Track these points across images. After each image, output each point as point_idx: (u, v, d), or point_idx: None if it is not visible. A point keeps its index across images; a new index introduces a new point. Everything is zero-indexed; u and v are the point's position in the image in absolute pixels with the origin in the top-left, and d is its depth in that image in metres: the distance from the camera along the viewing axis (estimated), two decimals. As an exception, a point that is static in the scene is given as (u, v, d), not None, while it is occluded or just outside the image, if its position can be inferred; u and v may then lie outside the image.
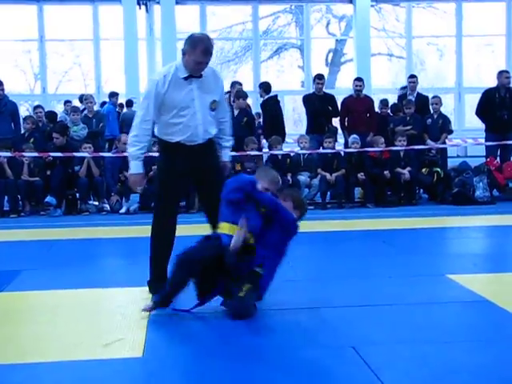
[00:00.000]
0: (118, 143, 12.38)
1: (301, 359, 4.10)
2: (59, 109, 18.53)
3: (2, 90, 12.78)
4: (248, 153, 12.04)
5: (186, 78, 5.55)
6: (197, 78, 5.57)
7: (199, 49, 5.42)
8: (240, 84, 14.01)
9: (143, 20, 19.46)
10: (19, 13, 19.48)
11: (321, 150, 12.64)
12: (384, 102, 14.02)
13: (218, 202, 5.37)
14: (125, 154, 11.76)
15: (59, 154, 11.80)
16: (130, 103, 16.33)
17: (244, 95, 12.88)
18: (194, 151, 5.66)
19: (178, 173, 5.68)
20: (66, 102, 16.17)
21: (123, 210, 11.67)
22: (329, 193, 12.48)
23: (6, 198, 11.90)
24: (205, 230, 5.68)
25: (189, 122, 5.57)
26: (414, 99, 13.65)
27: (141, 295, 5.66)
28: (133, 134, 5.67)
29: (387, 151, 12.49)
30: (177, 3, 19.21)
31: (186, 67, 5.53)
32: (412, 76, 14.48)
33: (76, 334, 4.69)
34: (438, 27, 20.97)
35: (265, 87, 13.57)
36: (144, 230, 8.14)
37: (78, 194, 12.16)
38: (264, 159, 12.98)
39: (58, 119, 14.21)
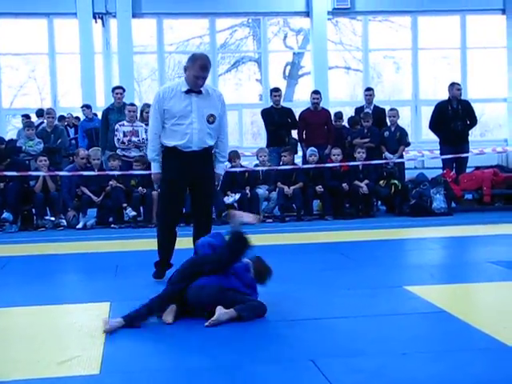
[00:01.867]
0: (75, 158, 12.28)
1: (259, 373, 4.08)
2: (14, 123, 18.36)
3: None
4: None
5: (186, 92, 6.42)
6: (196, 93, 6.44)
7: (197, 64, 6.31)
8: None
9: (99, 34, 19.34)
10: (-28, 27, 19.25)
11: (278, 167, 12.61)
12: (338, 115, 14.06)
13: (205, 208, 6.82)
14: (82, 172, 11.75)
15: (14, 173, 11.63)
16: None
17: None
18: (189, 157, 6.51)
19: (174, 175, 6.57)
20: (23, 116, 15.92)
21: (80, 226, 11.56)
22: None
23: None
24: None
25: (186, 130, 6.44)
26: (370, 112, 13.75)
27: (98, 311, 5.60)
28: (149, 140, 6.77)
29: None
30: (133, 17, 19.13)
31: (187, 82, 6.42)
32: (368, 89, 14.58)
33: (31, 352, 4.61)
34: (394, 40, 21.16)
35: None
36: (101, 246, 8.08)
37: (33, 210, 12.01)
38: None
39: (16, 135, 14.06)
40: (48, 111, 13.96)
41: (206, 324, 5.04)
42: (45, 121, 14.07)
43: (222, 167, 7.04)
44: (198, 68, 6.31)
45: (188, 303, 5.35)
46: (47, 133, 13.28)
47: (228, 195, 11.97)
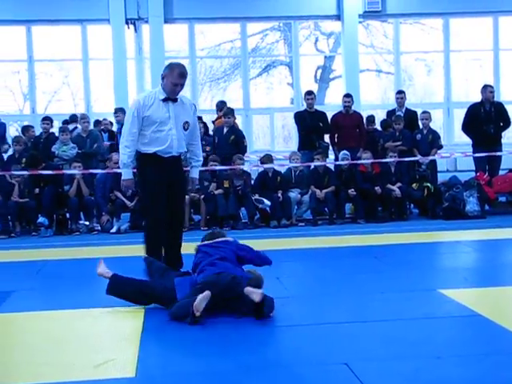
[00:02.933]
0: (108, 162, 12.37)
1: (294, 376, 4.09)
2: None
3: None
4: (239, 167, 12.05)
5: (164, 100, 6.73)
6: (173, 101, 6.76)
7: (176, 72, 6.65)
8: (224, 102, 14.25)
9: (132, 39, 19.49)
10: (8, 34, 19.48)
11: (310, 163, 12.64)
12: (370, 119, 14.01)
13: (180, 211, 7.08)
14: (116, 170, 11.84)
15: (49, 172, 11.77)
16: None
17: (232, 113, 12.94)
18: (168, 162, 6.78)
19: (154, 181, 6.77)
20: (65, 122, 15.87)
21: (114, 230, 11.64)
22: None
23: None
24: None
25: (166, 136, 6.72)
26: (402, 115, 13.68)
27: (132, 315, 5.65)
28: (123, 146, 6.81)
29: (378, 166, 12.52)
30: (165, 22, 19.25)
31: (165, 90, 6.73)
32: (400, 92, 14.50)
33: (67, 355, 4.66)
34: (425, 43, 21.05)
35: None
36: (135, 250, 8.13)
37: (68, 214, 12.12)
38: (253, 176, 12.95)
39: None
40: (82, 116, 13.96)
41: (256, 299, 5.21)
42: (78, 126, 14.13)
43: (196, 171, 7.29)
44: (177, 75, 6.64)
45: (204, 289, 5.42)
46: (82, 138, 13.24)
47: (259, 200, 11.98)
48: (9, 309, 6.14)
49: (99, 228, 11.90)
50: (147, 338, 4.98)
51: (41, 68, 20.08)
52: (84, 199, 11.88)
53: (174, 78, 6.63)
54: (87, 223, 12.10)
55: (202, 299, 5.21)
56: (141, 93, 7.05)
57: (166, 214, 6.98)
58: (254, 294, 5.30)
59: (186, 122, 6.90)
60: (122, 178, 6.96)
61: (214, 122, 14.19)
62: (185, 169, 7.67)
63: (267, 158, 12.60)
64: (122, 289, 5.94)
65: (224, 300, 5.43)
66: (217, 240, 6.31)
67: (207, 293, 5.25)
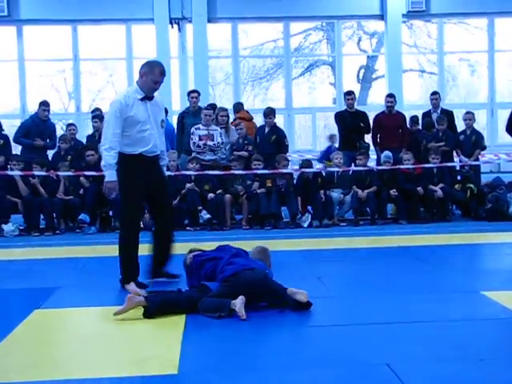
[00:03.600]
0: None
1: (336, 376, 4.10)
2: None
3: (48, 111, 13.04)
4: (280, 171, 12.07)
5: (141, 99, 6.67)
6: (149, 100, 6.71)
7: (157, 70, 6.64)
8: (241, 104, 14.32)
9: (175, 39, 19.60)
10: (54, 33, 19.73)
11: (352, 168, 12.62)
12: (414, 120, 13.92)
13: (171, 208, 7.33)
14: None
15: (93, 173, 11.89)
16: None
17: (273, 113, 12.95)
18: (151, 162, 6.78)
19: (140, 183, 6.72)
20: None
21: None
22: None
23: (41, 215, 12.03)
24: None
25: (149, 135, 6.69)
26: (438, 115, 13.53)
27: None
28: (107, 147, 6.62)
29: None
30: (209, 21, 19.32)
31: (143, 88, 6.67)
32: (434, 93, 14.27)
33: (110, 351, 4.73)
34: (469, 43, 20.86)
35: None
36: (177, 248, 8.18)
37: (111, 212, 12.23)
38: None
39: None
40: None
41: (304, 300, 5.43)
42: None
43: (165, 170, 7.30)
44: (158, 73, 6.64)
45: (239, 286, 5.53)
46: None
47: (303, 214, 12.04)
48: (53, 304, 6.22)
49: (142, 226, 11.94)
50: (189, 334, 5.02)
51: (86, 67, 20.29)
52: (127, 197, 11.96)
53: (155, 75, 6.62)
54: (130, 221, 12.16)
55: (242, 304, 5.30)
56: (117, 96, 7.00)
57: (157, 215, 7.34)
58: (299, 294, 5.40)
59: (163, 120, 6.97)
60: (106, 179, 6.76)
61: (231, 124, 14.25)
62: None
63: (306, 164, 12.59)
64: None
65: (257, 295, 5.56)
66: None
67: (242, 298, 5.35)
